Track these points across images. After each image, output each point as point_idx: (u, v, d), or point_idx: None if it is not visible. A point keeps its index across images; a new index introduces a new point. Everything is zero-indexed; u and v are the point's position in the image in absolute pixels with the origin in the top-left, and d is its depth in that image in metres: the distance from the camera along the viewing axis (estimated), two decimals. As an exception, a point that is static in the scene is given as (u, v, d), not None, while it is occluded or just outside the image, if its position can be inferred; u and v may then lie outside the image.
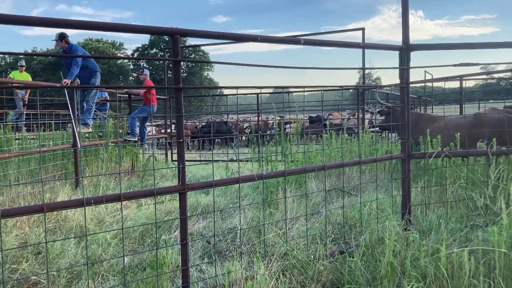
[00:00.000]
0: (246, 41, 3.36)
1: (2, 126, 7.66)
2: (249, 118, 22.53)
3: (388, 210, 4.29)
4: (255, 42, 3.22)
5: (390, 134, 10.60)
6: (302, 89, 3.67)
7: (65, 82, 8.53)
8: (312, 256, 3.29)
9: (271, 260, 3.27)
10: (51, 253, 3.82)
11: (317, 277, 3.11)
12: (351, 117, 18.59)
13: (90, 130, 9.09)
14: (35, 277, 3.39)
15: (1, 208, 2.28)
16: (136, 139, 9.81)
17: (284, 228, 4.04)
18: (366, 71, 12.95)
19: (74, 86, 8.58)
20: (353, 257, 3.17)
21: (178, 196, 2.92)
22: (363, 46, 3.85)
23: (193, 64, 75.42)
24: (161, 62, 67.54)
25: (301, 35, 11.58)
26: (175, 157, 12.50)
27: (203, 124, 21.91)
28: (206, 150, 19.16)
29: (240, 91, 5.04)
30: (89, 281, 3.28)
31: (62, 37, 8.97)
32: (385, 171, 7.02)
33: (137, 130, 10.10)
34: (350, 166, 5.42)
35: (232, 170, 7.10)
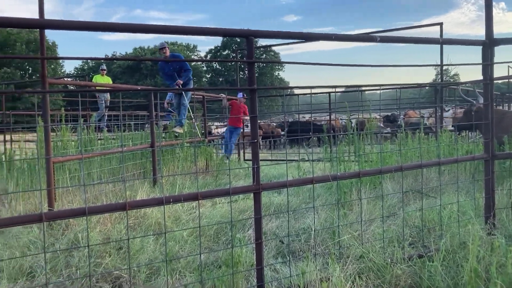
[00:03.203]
0: (320, 40, 3.33)
1: (86, 127, 8.12)
2: (323, 118, 22.32)
3: (469, 213, 4.08)
4: (329, 41, 3.18)
5: (470, 133, 10.08)
6: (378, 87, 3.58)
7: (179, 83, 9.80)
8: (389, 260, 3.20)
9: (346, 262, 3.21)
10: (131, 249, 3.99)
11: (395, 281, 3.02)
12: (429, 116, 17.81)
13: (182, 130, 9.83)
14: (117, 272, 3.56)
15: (87, 205, 2.41)
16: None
17: (358, 230, 3.95)
18: (444, 68, 12.34)
19: (150, 88, 9.02)
20: (432, 262, 3.04)
21: (251, 195, 2.95)
22: (443, 42, 3.69)
23: (264, 65, 75.97)
24: (233, 63, 68.76)
25: (373, 32, 11.30)
26: (247, 156, 12.67)
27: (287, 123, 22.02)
28: (277, 150, 19.22)
29: (314, 90, 5.00)
30: (168, 277, 3.39)
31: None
32: (466, 172, 6.68)
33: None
34: (428, 167, 5.20)
35: (303, 170, 7.07)
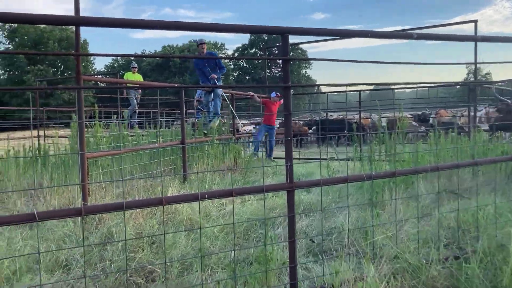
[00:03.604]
0: (356, 37, 3.29)
1: (118, 124, 8.25)
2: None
3: (507, 215, 3.98)
4: (365, 37, 3.14)
5: (504, 133, 9.82)
6: (416, 85, 3.51)
7: (213, 77, 10.19)
8: (424, 260, 3.14)
9: (381, 262, 3.18)
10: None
11: (431, 282, 2.97)
12: (461, 116, 17.41)
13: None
14: (150, 266, 3.60)
15: (124, 200, 2.45)
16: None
17: (392, 230, 3.90)
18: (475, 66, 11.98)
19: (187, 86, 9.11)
20: (469, 264, 2.98)
21: (280, 193, 2.94)
22: (483, 39, 3.59)
23: (292, 62, 75.55)
24: (260, 61, 68.90)
25: (402, 30, 11.11)
26: (275, 154, 12.65)
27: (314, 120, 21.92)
28: (304, 148, 19.14)
29: (342, 88, 4.94)
30: (201, 272, 3.41)
31: None
32: (501, 172, 6.51)
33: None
34: (463, 167, 5.07)
35: (333, 169, 7.01)
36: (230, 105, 10.55)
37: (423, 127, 15.72)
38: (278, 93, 11.16)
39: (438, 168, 3.35)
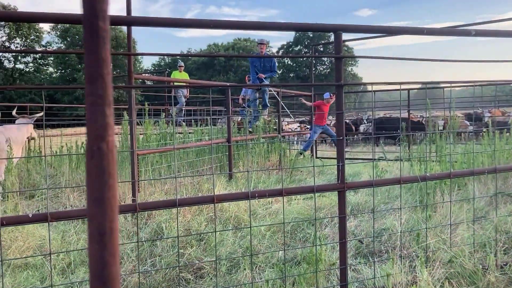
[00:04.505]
0: (410, 34, 3.20)
1: (167, 122, 8.39)
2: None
3: None
4: (420, 35, 3.04)
5: None
6: (473, 84, 3.39)
7: (261, 76, 10.40)
8: (481, 266, 3.02)
9: (434, 266, 3.08)
10: (212, 241, 4.06)
11: (489, 289, 2.85)
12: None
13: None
14: (199, 263, 3.64)
15: (177, 197, 2.47)
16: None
17: (444, 233, 3.78)
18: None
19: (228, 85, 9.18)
20: (530, 271, 2.85)
21: (326, 193, 2.89)
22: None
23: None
24: (304, 59, 68.53)
25: (452, 26, 10.75)
26: (319, 154, 12.56)
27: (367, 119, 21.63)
28: (350, 148, 18.87)
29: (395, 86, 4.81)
30: (248, 271, 3.42)
31: None
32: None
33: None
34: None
35: (381, 169, 6.87)
36: (281, 102, 10.64)
37: (471, 127, 15.19)
38: (331, 94, 11.05)
39: (496, 170, 3.22)
